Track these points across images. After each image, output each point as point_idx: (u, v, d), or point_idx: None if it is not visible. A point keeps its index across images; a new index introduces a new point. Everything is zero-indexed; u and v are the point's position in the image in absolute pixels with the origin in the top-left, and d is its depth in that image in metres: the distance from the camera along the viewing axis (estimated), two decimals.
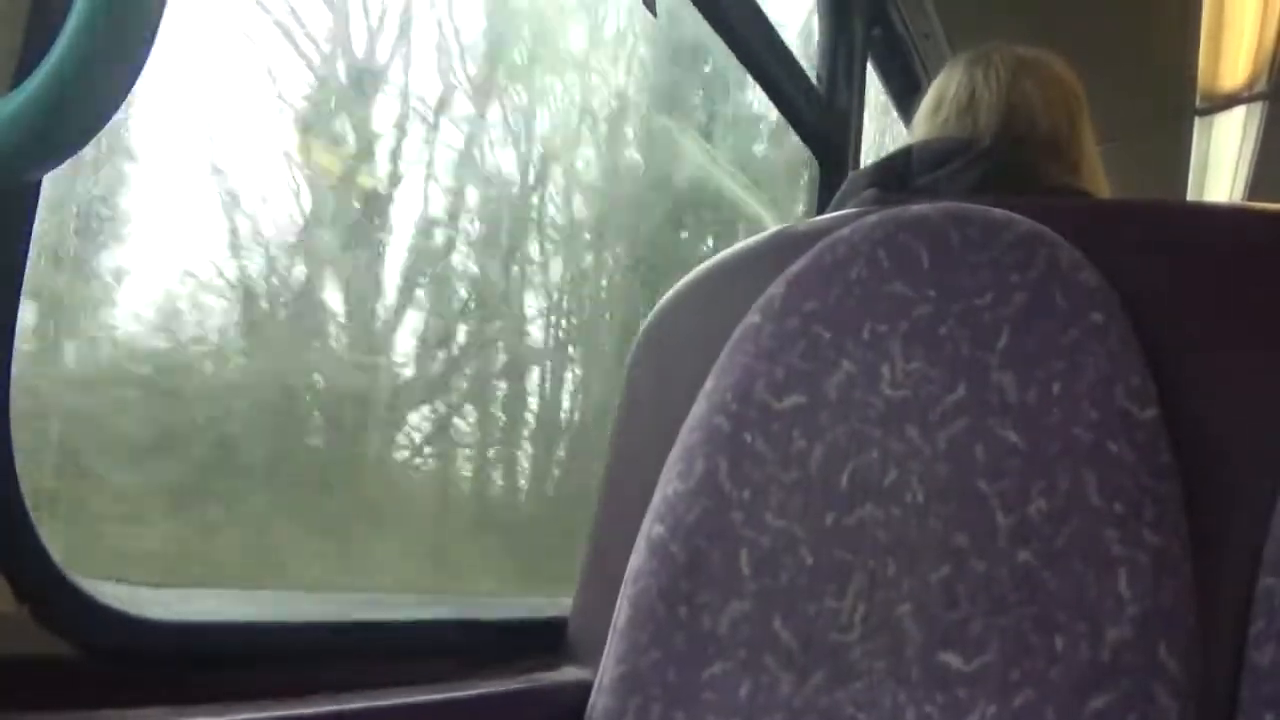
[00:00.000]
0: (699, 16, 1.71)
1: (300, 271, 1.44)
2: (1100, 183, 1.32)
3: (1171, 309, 1.00)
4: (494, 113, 1.77)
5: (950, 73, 1.35)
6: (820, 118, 2.05)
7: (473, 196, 1.77)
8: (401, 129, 1.56)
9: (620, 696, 0.99)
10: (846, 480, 0.99)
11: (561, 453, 2.10)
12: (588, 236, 2.10)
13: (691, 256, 2.36)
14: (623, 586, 1.04)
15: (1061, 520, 0.91)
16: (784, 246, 1.12)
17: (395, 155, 1.56)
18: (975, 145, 1.21)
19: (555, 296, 2.01)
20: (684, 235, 2.46)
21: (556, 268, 2.02)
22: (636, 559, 1.04)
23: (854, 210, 1.15)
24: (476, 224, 1.80)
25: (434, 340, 1.70)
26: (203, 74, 1.17)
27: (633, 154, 2.20)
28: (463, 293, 1.81)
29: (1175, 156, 2.97)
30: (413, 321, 1.65)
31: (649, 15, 1.64)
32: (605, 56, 2.07)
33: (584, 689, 1.03)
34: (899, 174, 1.22)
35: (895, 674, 0.92)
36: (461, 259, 1.77)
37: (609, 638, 1.03)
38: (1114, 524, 0.90)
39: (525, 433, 2.00)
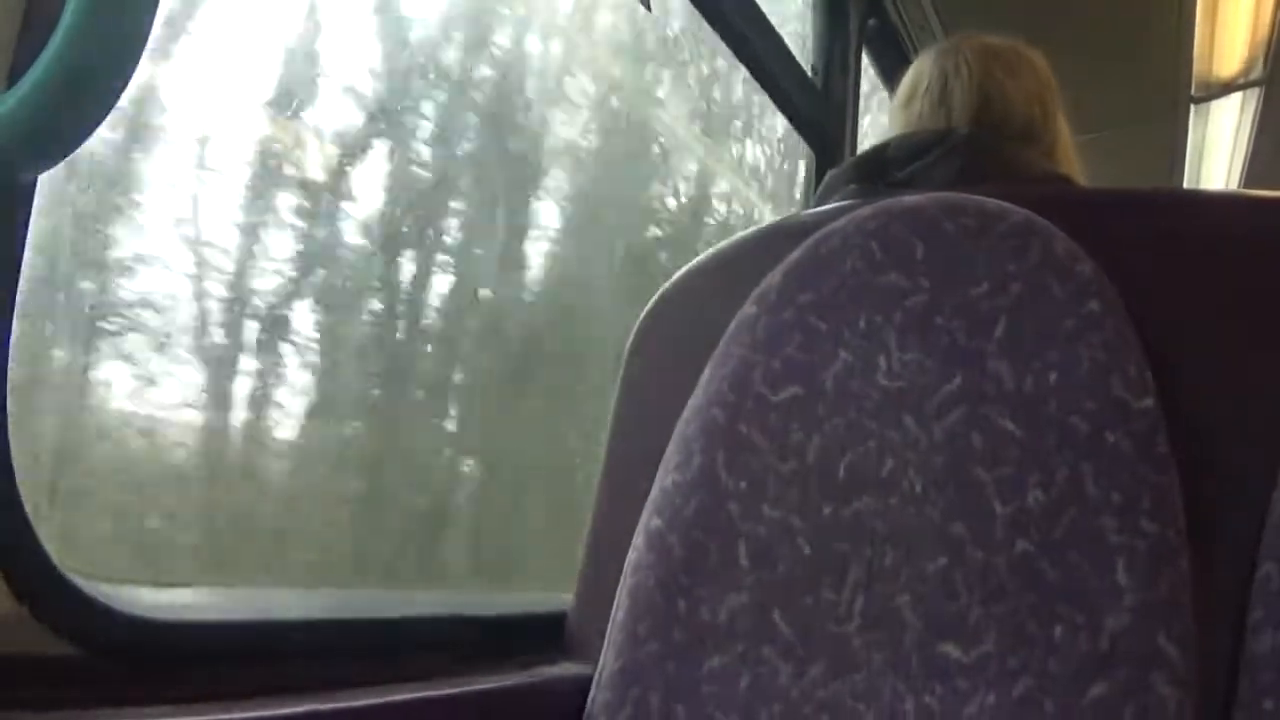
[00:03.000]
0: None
1: None
2: (1075, 166, 1.33)
3: (1168, 298, 1.00)
4: None
5: (920, 65, 1.36)
6: (816, 110, 2.05)
7: None
8: None
9: (619, 689, 0.99)
10: (844, 471, 0.99)
11: None
12: None
13: None
14: (621, 580, 1.05)
15: (1059, 510, 0.91)
16: (779, 238, 1.12)
17: None
18: (952, 136, 1.21)
19: None
20: None
21: None
22: (634, 552, 1.04)
23: (849, 202, 1.15)
24: None
25: None
26: None
27: None
28: None
29: (1171, 144, 2.97)
30: None
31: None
32: None
33: (584, 683, 1.04)
34: (878, 168, 1.23)
35: (894, 664, 0.92)
36: None
37: (608, 631, 1.04)
38: (1111, 513, 0.90)
39: None
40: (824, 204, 1.21)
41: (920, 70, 1.34)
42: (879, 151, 1.24)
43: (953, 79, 1.29)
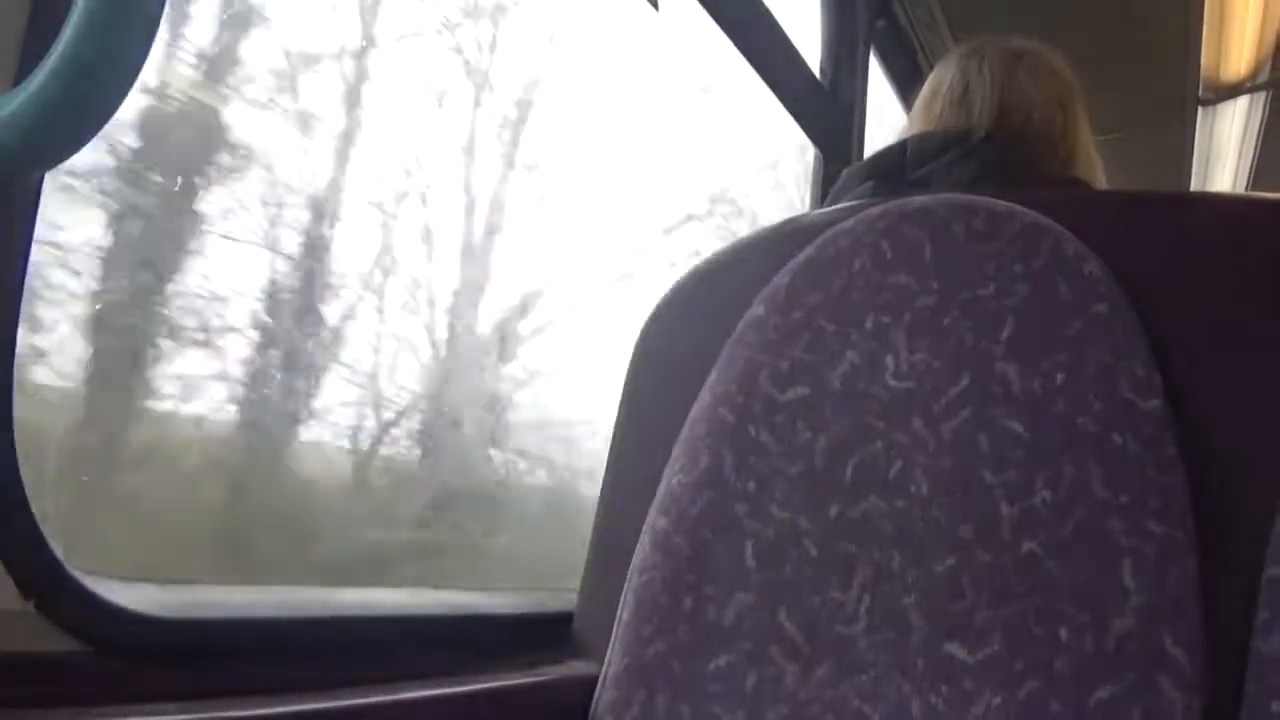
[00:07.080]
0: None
1: None
2: (1096, 173, 1.33)
3: (1176, 299, 1.00)
4: None
5: (944, 66, 1.36)
6: (823, 110, 2.04)
7: None
8: None
9: (625, 689, 0.99)
10: (851, 472, 0.99)
11: None
12: None
13: None
14: (627, 579, 1.04)
15: (1066, 511, 0.91)
16: (788, 238, 1.12)
17: None
18: (970, 137, 1.21)
19: None
20: None
21: None
22: (641, 552, 1.04)
23: (857, 202, 1.15)
24: None
25: None
26: None
27: None
28: None
29: (1179, 147, 2.97)
30: None
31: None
32: None
33: (589, 682, 1.04)
34: (895, 167, 1.22)
35: (900, 665, 0.92)
36: None
37: (614, 630, 1.04)
38: (1119, 515, 0.89)
39: None
40: (838, 201, 1.21)
41: (943, 71, 1.34)
42: (897, 150, 1.24)
43: (975, 80, 1.29)
